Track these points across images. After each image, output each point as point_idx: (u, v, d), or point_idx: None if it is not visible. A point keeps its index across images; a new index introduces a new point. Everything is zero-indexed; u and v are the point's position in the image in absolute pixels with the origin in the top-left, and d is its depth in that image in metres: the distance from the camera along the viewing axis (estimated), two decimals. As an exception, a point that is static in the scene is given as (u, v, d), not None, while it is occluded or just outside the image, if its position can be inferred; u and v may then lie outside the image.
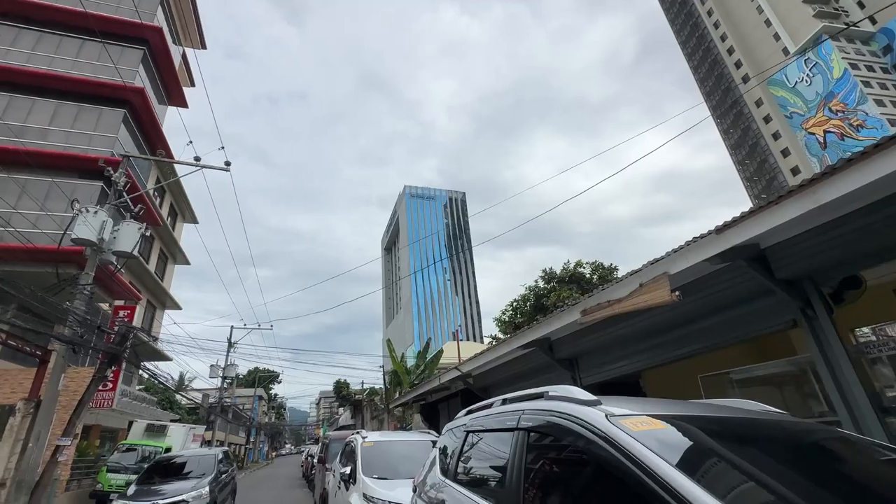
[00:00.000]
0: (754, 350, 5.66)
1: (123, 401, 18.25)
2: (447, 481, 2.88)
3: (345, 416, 42.91)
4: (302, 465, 29.42)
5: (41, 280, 13.44)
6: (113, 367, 15.52)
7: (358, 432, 6.96)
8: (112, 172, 12.71)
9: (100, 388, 15.13)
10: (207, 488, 9.53)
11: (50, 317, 10.71)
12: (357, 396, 40.87)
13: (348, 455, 6.86)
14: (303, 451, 46.57)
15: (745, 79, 65.04)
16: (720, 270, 4.08)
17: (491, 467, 2.54)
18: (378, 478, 5.41)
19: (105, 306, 17.54)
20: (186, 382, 43.86)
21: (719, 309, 4.36)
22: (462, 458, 2.90)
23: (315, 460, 18.48)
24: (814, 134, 54.97)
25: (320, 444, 12.22)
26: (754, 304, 4.07)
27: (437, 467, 3.30)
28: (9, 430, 10.07)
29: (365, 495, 5.01)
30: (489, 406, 2.93)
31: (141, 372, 24.79)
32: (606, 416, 1.70)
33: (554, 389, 2.27)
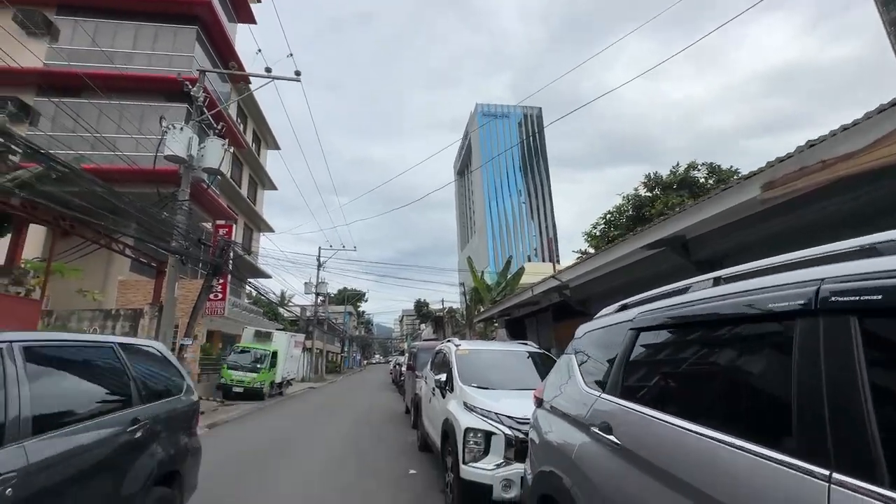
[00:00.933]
0: None
1: (234, 311, 20.36)
2: (612, 399, 1.95)
3: (426, 331, 45.45)
4: (390, 373, 32.14)
5: (145, 200, 14.37)
6: (220, 280, 16.94)
7: (449, 340, 6.45)
8: (190, 87, 12.66)
9: (211, 298, 16.71)
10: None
11: (160, 232, 11.44)
12: (437, 314, 42.64)
13: (440, 363, 6.43)
14: (390, 361, 51.30)
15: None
16: None
17: (724, 382, 1.51)
18: (477, 387, 4.81)
19: (207, 226, 18.92)
20: (287, 299, 48.84)
21: None
22: (635, 369, 1.94)
23: (403, 368, 19.60)
24: None
25: (407, 353, 12.32)
26: None
27: (577, 378, 2.40)
28: (141, 329, 11.34)
29: (466, 404, 4.45)
30: (682, 290, 1.87)
31: (247, 287, 27.63)
32: None
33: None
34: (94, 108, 14.74)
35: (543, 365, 5.76)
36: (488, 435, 4.00)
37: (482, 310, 19.84)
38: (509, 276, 20.69)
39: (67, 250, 12.67)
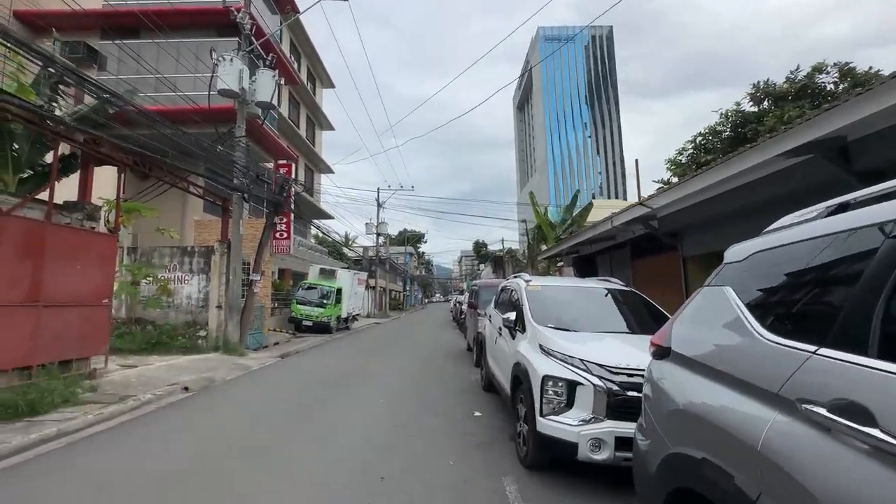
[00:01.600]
0: None
1: (300, 249, 21.11)
2: (854, 361, 1.08)
3: (486, 271, 45.30)
4: (451, 311, 32.71)
5: (204, 140, 14.48)
6: (283, 220, 17.28)
7: (518, 275, 5.69)
8: (236, 15, 12.03)
9: (276, 237, 17.19)
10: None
11: (222, 170, 11.48)
12: (496, 254, 42.08)
13: (507, 302, 5.75)
14: (450, 300, 52.49)
15: None
16: None
17: None
18: (554, 327, 4.07)
19: (269, 166, 19.14)
20: (351, 240, 50.58)
21: None
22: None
23: (464, 307, 19.51)
24: None
25: (468, 291, 11.85)
26: None
27: (747, 323, 1.52)
28: (213, 266, 11.80)
29: (542, 347, 3.76)
30: None
31: (312, 228, 28.55)
32: None
33: None
34: (153, 49, 14.74)
35: (630, 305, 4.88)
36: (572, 385, 3.30)
37: (544, 248, 18.80)
38: (575, 213, 19.20)
39: (143, 191, 13.30)
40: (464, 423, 5.13)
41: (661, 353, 2.03)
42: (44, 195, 6.66)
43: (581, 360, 3.38)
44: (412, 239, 77.04)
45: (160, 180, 10.34)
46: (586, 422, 3.15)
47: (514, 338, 4.61)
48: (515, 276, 5.88)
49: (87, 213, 7.53)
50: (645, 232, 7.62)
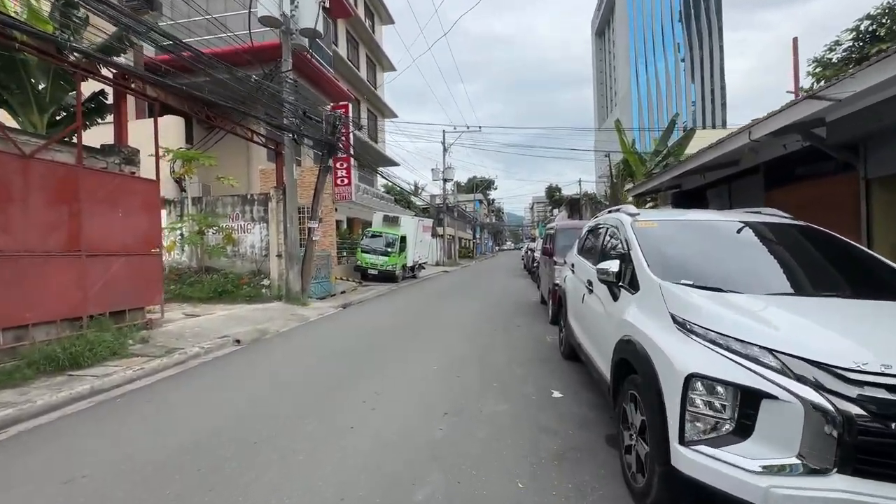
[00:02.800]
0: None
1: (365, 197, 20.51)
2: None
3: (560, 216, 42.34)
4: (522, 259, 31.07)
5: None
6: (342, 164, 16.47)
7: (619, 209, 4.01)
8: (271, -76, 10.54)
9: (338, 183, 16.54)
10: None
11: (269, 110, 10.62)
12: (573, 196, 38.87)
13: (598, 248, 4.15)
14: (521, 248, 50.53)
15: None
16: None
17: None
18: (694, 286, 2.45)
19: (328, 108, 18.24)
20: (420, 189, 49.88)
21: None
22: None
23: (536, 254, 17.82)
24: None
25: (544, 235, 10.19)
26: None
27: None
28: (271, 213, 11.35)
29: (677, 320, 2.21)
30: None
31: (380, 178, 27.86)
32: None
33: None
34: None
35: (823, 251, 3.02)
36: (752, 396, 1.76)
37: (629, 188, 16.11)
38: (672, 142, 16.06)
39: (202, 139, 13.06)
40: (538, 409, 3.79)
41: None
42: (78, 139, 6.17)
43: (771, 349, 1.81)
44: (481, 185, 74.68)
45: (205, 122, 9.74)
46: (786, 471, 1.65)
47: (615, 298, 3.09)
48: (615, 210, 4.19)
49: (125, 157, 7.00)
50: (803, 147, 5.34)
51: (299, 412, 3.78)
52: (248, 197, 12.26)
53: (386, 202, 26.35)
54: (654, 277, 2.63)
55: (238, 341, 7.08)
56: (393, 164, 30.00)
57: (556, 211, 61.94)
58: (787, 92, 12.71)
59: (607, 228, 4.03)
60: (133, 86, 7.17)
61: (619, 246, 3.43)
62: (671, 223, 3.42)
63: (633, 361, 2.45)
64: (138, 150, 7.31)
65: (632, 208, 3.84)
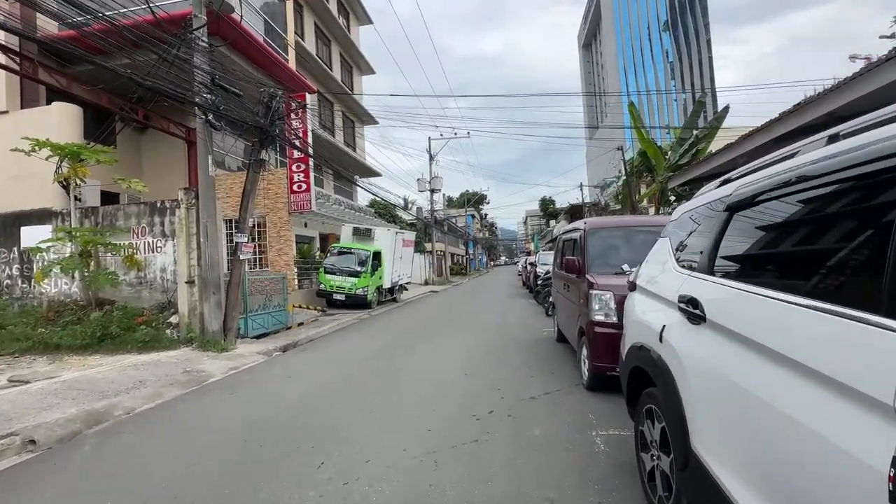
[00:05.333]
0: None
1: (333, 207, 17.49)
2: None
3: (558, 227, 39.50)
4: (519, 275, 28.02)
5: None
6: (297, 165, 13.53)
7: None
8: None
9: (294, 190, 13.56)
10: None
11: (176, 85, 7.64)
12: (573, 204, 36.16)
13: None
14: (516, 262, 47.46)
15: None
16: None
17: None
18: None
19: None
20: (409, 204, 46.97)
21: None
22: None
23: (538, 269, 14.78)
24: None
25: (558, 244, 7.13)
26: None
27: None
28: (179, 224, 8.27)
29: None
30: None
31: (367, 193, 24.76)
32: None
33: None
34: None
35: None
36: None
37: (643, 191, 13.26)
38: (696, 130, 13.31)
39: (102, 131, 10.04)
40: None
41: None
42: None
43: None
44: (473, 199, 72.06)
45: (103, 109, 6.73)
46: None
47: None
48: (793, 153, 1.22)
49: None
50: None
51: None
52: (159, 205, 9.17)
53: (366, 216, 23.32)
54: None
55: (33, 441, 3.95)
56: (374, 174, 27.15)
57: (552, 223, 59.32)
58: (850, 57, 10.06)
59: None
60: None
61: None
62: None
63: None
64: None
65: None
